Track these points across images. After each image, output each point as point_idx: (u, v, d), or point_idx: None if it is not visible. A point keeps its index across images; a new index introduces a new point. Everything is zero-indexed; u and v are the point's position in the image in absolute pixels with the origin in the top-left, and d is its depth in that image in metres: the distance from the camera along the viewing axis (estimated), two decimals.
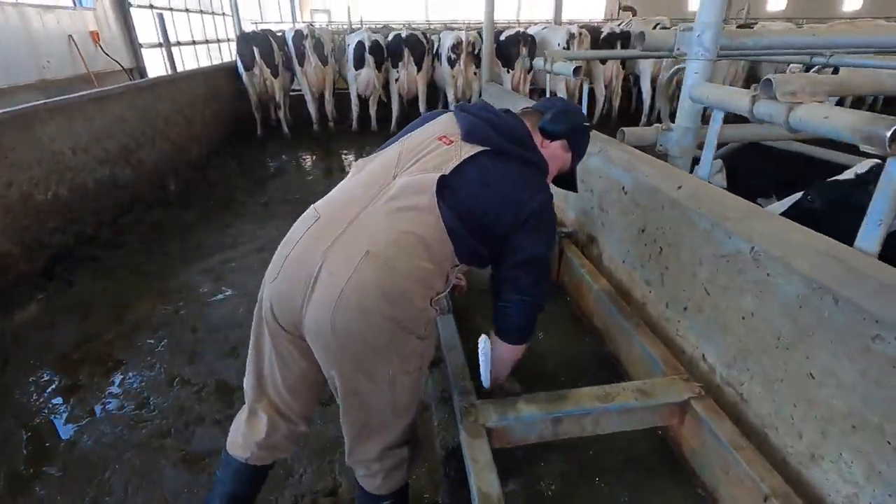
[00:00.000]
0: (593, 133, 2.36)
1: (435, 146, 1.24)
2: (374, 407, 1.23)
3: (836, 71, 3.36)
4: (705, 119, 2.09)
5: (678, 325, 1.60)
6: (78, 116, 3.97)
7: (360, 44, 6.84)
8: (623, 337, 1.70)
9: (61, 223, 3.66)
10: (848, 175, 1.89)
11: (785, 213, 2.09)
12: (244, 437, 1.37)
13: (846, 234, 1.87)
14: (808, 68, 7.58)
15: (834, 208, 1.87)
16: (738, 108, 1.42)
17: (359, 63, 6.95)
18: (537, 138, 1.39)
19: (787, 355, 1.15)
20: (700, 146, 2.58)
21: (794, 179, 2.81)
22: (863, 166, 1.88)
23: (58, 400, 2.40)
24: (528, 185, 1.23)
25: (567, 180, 1.53)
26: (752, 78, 9.17)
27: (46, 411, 2.30)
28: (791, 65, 7.32)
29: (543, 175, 1.33)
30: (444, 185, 1.16)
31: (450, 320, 1.67)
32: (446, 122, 1.32)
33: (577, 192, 1.54)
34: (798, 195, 2.06)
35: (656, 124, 2.16)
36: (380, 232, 1.12)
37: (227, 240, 4.26)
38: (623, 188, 1.88)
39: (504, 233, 1.23)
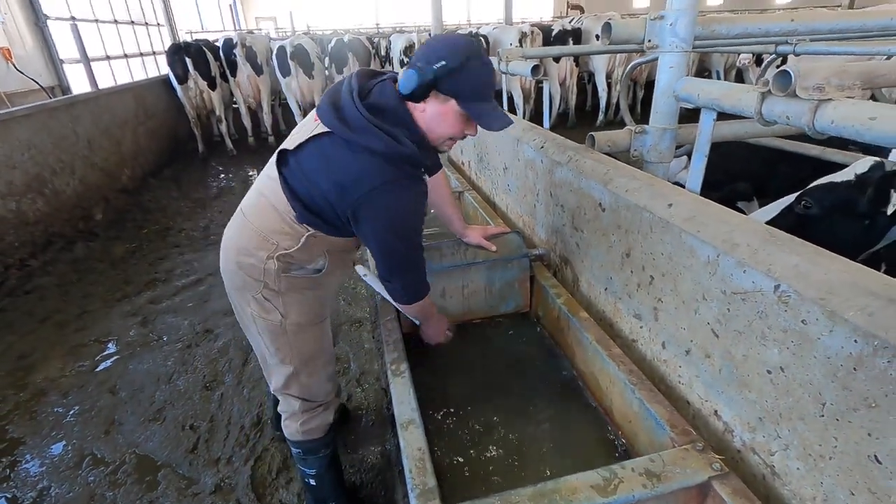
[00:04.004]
0: (560, 141, 2.09)
1: (309, 120, 1.31)
2: (255, 341, 1.46)
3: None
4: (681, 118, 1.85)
5: (679, 369, 1.33)
6: None
7: (282, 49, 6.43)
8: (614, 387, 1.42)
9: None
10: (846, 176, 1.67)
11: (774, 221, 1.87)
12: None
13: (851, 247, 1.67)
14: (758, 59, 7.53)
15: (835, 215, 1.66)
16: (739, 108, 1.15)
17: (284, 70, 6.54)
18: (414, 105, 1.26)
19: (837, 428, 0.89)
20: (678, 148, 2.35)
21: (771, 178, 2.63)
22: (862, 165, 1.67)
23: None
24: (356, 174, 1.21)
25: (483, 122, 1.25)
26: (703, 71, 9.23)
27: None
28: (741, 55, 7.32)
29: (388, 162, 1.20)
30: (286, 159, 1.30)
31: (406, 385, 1.35)
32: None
33: (494, 129, 1.25)
34: (788, 199, 1.84)
35: (628, 126, 1.90)
36: (252, 195, 1.39)
37: (160, 275, 3.79)
38: (600, 205, 1.60)
39: (341, 215, 1.27)
